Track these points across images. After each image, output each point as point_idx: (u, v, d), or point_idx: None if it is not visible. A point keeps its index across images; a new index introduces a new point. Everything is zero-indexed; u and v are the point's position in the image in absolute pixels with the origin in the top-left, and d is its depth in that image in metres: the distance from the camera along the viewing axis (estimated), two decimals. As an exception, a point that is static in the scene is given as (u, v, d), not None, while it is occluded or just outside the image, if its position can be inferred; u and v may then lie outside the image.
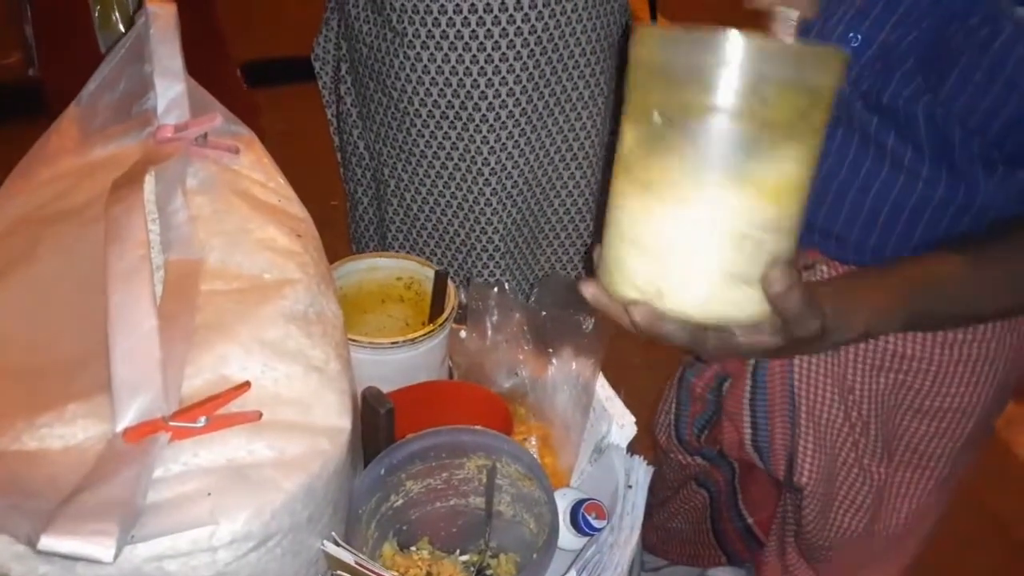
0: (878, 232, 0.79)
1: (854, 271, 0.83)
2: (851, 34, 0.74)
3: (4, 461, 0.46)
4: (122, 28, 1.51)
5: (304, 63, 1.56)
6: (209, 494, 0.47)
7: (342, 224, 1.54)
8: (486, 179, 1.23)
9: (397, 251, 1.34)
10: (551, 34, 1.13)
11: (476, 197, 1.24)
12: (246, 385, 0.52)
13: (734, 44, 0.48)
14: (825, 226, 0.83)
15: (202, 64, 0.76)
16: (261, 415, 0.52)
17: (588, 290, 0.57)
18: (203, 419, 0.49)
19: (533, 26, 1.11)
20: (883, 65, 0.72)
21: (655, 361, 1.58)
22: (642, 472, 0.78)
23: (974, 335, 0.83)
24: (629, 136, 0.54)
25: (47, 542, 0.39)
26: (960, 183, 0.73)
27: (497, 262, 1.30)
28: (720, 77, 0.49)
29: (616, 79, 1.26)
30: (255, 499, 0.49)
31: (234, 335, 0.59)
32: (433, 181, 1.24)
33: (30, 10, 1.56)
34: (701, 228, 0.51)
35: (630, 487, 0.76)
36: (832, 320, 0.59)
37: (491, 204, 1.25)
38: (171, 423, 0.48)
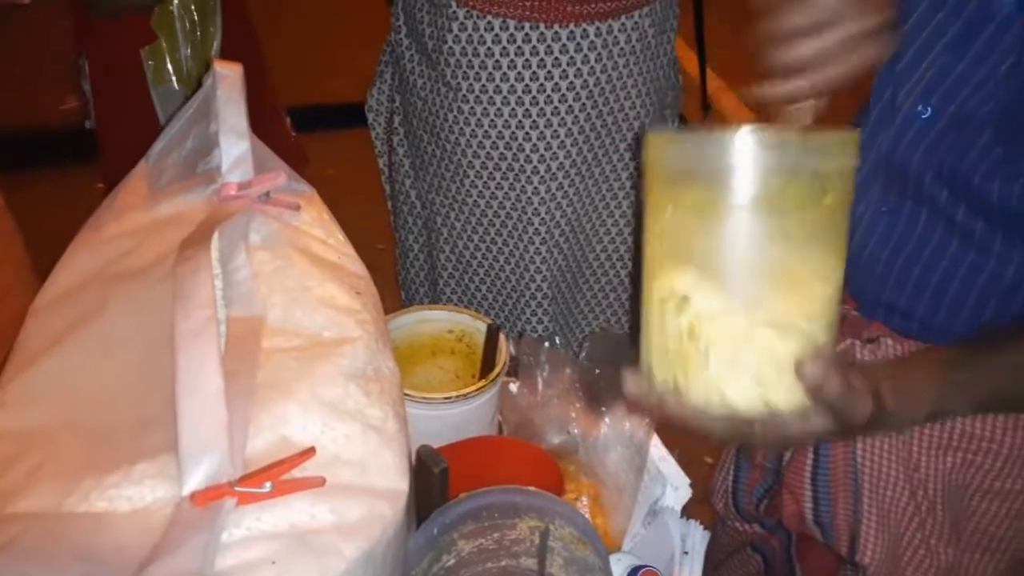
0: (945, 309, 0.77)
1: (921, 349, 0.80)
2: (920, 106, 0.73)
3: (75, 525, 0.47)
4: (175, 83, 1.56)
5: (352, 109, 1.59)
6: (273, 562, 0.46)
7: (388, 268, 1.56)
8: (536, 228, 1.24)
9: (448, 297, 1.35)
10: (602, 88, 1.15)
11: (526, 245, 1.25)
12: (311, 451, 0.52)
13: (739, 142, 0.49)
14: (891, 301, 0.81)
15: (250, 112, 0.77)
16: (325, 481, 0.51)
17: (629, 386, 0.57)
18: (268, 484, 0.49)
19: (585, 80, 1.12)
20: (957, 137, 0.71)
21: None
22: (698, 538, 0.76)
23: None
24: (650, 236, 0.54)
25: (119, 612, 0.39)
26: None
27: (545, 309, 1.31)
28: (729, 175, 0.49)
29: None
30: (317, 567, 0.49)
31: (294, 394, 0.59)
32: (485, 229, 1.25)
33: (87, 67, 1.62)
34: (727, 323, 0.51)
35: (686, 553, 0.74)
36: (893, 401, 0.58)
37: (540, 252, 1.26)
38: (237, 488, 0.48)
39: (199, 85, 0.76)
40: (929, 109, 0.74)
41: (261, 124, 0.76)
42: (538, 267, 1.27)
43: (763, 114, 0.56)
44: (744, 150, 0.49)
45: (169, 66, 1.58)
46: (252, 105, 0.75)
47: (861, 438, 0.89)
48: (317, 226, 0.76)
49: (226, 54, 1.58)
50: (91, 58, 1.59)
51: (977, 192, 0.71)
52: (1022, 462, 0.82)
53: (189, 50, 1.58)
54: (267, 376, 0.60)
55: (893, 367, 0.64)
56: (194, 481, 0.48)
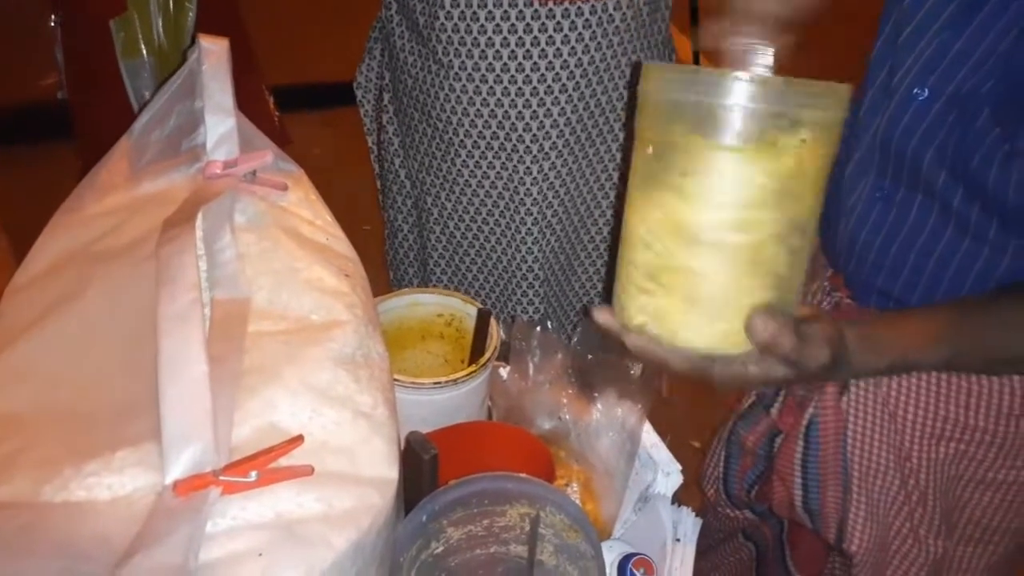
0: (939, 298, 0.76)
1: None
2: (916, 89, 0.72)
3: (53, 515, 0.45)
4: (145, 55, 1.52)
5: (340, 88, 1.56)
6: (260, 554, 0.45)
7: (375, 249, 1.54)
8: (528, 208, 1.22)
9: (439, 278, 1.34)
10: (596, 66, 1.13)
11: (518, 226, 1.24)
12: (299, 439, 0.51)
13: (729, 81, 0.49)
14: (885, 288, 0.80)
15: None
16: (313, 470, 0.50)
17: (599, 316, 0.58)
18: (254, 473, 0.48)
19: (579, 59, 1.10)
20: (957, 117, 0.70)
21: (702, 408, 1.55)
22: (690, 525, 0.75)
23: None
24: (632, 169, 0.55)
25: (99, 608, 0.38)
26: None
27: (537, 290, 1.30)
28: (714, 113, 0.49)
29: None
30: (305, 558, 0.47)
31: (282, 380, 0.58)
32: (476, 209, 1.23)
33: (61, 34, 1.58)
34: (693, 260, 0.51)
35: (678, 540, 0.73)
36: (855, 349, 0.58)
37: (532, 233, 1.24)
38: (222, 477, 0.47)
39: (183, 60, 0.74)
40: (926, 91, 0.73)
41: (242, 102, 0.74)
42: (530, 248, 1.25)
43: (716, 60, 0.56)
44: (732, 90, 0.49)
45: (140, 39, 1.53)
46: (233, 82, 0.72)
47: (852, 424, 0.88)
48: (305, 206, 0.74)
49: (204, 29, 1.54)
50: (64, 26, 1.55)
51: (974, 175, 0.70)
52: (1016, 453, 0.82)
53: (162, 23, 1.53)
54: (254, 361, 0.58)
55: (863, 316, 0.64)
56: (177, 470, 0.47)
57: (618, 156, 1.24)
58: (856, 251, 0.83)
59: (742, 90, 0.49)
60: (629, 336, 0.55)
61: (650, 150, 0.53)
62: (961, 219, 0.73)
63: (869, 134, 0.80)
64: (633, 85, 0.58)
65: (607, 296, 1.38)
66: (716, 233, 0.50)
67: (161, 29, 1.53)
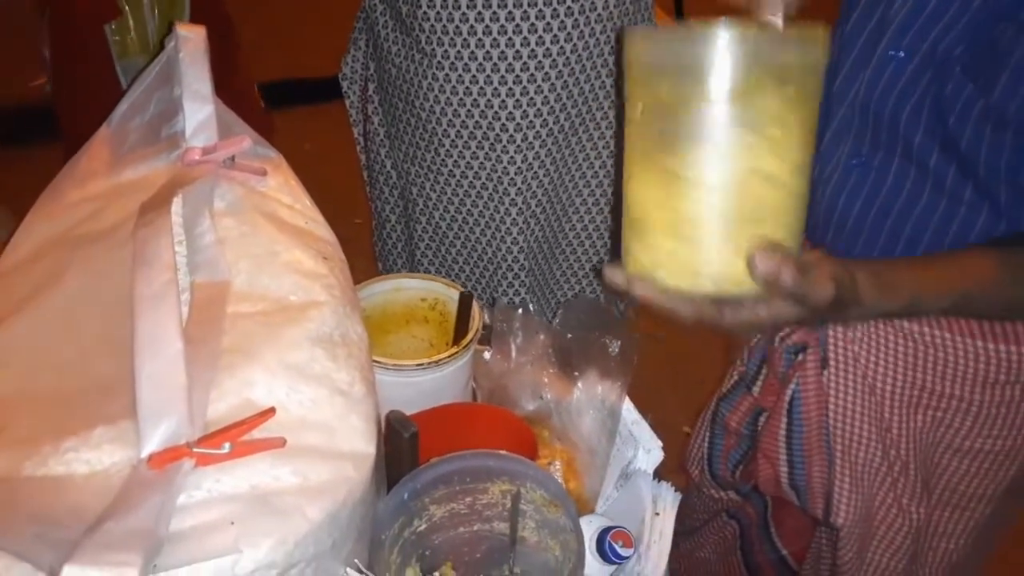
0: None
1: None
2: (891, 52, 0.73)
3: (30, 488, 0.46)
4: (141, 56, 1.52)
5: (328, 84, 1.56)
6: (232, 523, 0.46)
7: (366, 241, 1.55)
8: (512, 198, 1.23)
9: (426, 268, 1.34)
10: (579, 55, 1.13)
11: (503, 216, 1.24)
12: (271, 411, 0.52)
13: (707, 36, 0.51)
14: (862, 254, 0.81)
15: (216, 82, 0.76)
16: (285, 442, 0.51)
17: (611, 274, 0.59)
18: (227, 445, 0.49)
19: (562, 47, 1.11)
20: (933, 76, 0.71)
21: (683, 385, 1.56)
22: (670, 499, 0.76)
23: (1017, 378, 0.81)
24: (628, 130, 0.57)
25: (70, 572, 0.39)
26: (1001, 216, 0.71)
27: (523, 280, 1.30)
28: (696, 68, 0.52)
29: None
30: (279, 527, 0.48)
31: (260, 358, 0.58)
32: (461, 200, 1.24)
33: (48, 30, 1.58)
34: (689, 207, 0.53)
35: (657, 514, 0.74)
36: (868, 288, 0.59)
37: (516, 222, 1.25)
38: (195, 449, 0.48)
39: (160, 48, 0.75)
40: (902, 52, 0.74)
41: (229, 95, 0.74)
42: (515, 238, 1.26)
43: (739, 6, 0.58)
44: (711, 44, 0.51)
45: (136, 42, 1.53)
46: (220, 77, 0.73)
47: (834, 398, 0.89)
48: (284, 191, 0.75)
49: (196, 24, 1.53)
50: (53, 26, 1.55)
51: (950, 135, 0.71)
52: (991, 423, 0.83)
53: (157, 26, 1.53)
54: (232, 341, 0.59)
55: (873, 261, 0.65)
56: (152, 444, 0.48)
57: (600, 144, 1.25)
58: (834, 220, 0.83)
59: (721, 43, 0.51)
60: (636, 285, 0.56)
61: (640, 110, 0.55)
62: (938, 180, 0.74)
63: (846, 103, 0.81)
64: (618, 52, 0.61)
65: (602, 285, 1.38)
66: (710, 179, 0.52)
67: (155, 29, 1.53)
